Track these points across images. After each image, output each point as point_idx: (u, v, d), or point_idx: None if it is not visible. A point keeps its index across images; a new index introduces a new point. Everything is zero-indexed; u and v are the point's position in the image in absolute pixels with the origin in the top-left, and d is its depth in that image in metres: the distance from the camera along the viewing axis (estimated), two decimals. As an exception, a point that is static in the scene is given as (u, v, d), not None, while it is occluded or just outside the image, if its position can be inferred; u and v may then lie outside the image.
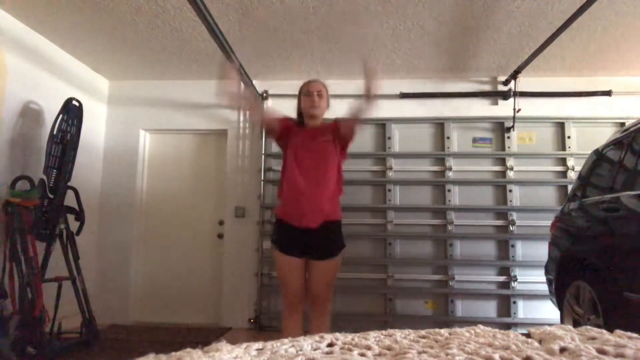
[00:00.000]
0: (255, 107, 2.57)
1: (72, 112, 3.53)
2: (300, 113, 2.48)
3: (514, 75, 4.04)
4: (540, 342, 0.73)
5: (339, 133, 2.39)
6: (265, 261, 4.23)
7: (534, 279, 3.95)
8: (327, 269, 2.32)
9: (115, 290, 4.33)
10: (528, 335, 0.79)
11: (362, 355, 0.66)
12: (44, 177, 3.36)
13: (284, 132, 2.43)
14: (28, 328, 2.95)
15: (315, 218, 2.26)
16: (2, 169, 3.24)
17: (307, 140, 2.37)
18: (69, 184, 3.50)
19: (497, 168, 4.27)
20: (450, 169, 4.27)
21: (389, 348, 0.70)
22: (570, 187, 3.61)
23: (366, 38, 3.61)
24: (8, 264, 3.07)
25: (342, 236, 2.40)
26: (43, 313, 3.07)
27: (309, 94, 2.40)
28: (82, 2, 3.13)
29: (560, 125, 4.27)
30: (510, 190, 4.20)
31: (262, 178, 4.36)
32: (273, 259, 2.40)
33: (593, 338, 0.73)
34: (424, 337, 0.78)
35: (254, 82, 4.23)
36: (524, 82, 4.13)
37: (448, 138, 4.32)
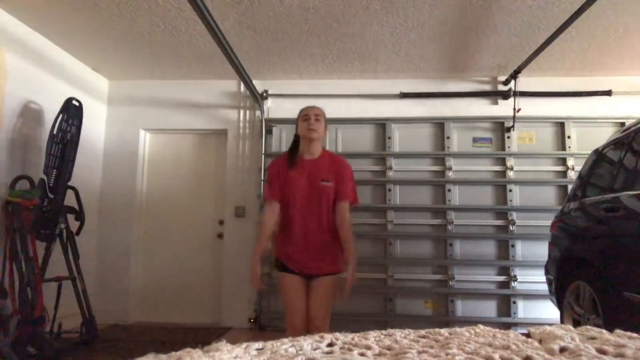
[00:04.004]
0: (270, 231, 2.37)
1: (72, 112, 3.53)
2: (297, 138, 2.43)
3: (514, 75, 4.04)
4: (540, 341, 0.73)
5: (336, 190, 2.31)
6: (266, 261, 4.21)
7: (534, 279, 3.95)
8: (324, 286, 2.26)
9: (115, 290, 4.33)
10: (528, 335, 0.79)
11: (362, 355, 0.66)
12: (44, 177, 3.37)
13: (280, 185, 2.33)
14: (28, 328, 2.95)
15: (318, 269, 2.25)
16: (2, 169, 3.24)
17: (306, 178, 2.29)
18: (69, 183, 3.51)
19: (497, 168, 4.27)
20: (450, 168, 4.27)
21: (389, 348, 0.70)
22: (570, 187, 3.61)
23: (366, 38, 3.61)
24: (8, 264, 3.07)
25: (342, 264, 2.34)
26: (43, 313, 3.07)
27: (306, 118, 2.36)
28: (82, 2, 3.13)
29: (560, 125, 4.27)
30: (510, 190, 4.20)
31: (262, 178, 4.36)
32: (278, 283, 2.36)
33: (593, 338, 0.73)
34: (424, 337, 0.78)
35: (254, 82, 4.22)
36: (524, 82, 4.13)
37: (448, 138, 4.32)
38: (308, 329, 2.27)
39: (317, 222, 2.26)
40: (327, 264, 2.27)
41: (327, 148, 2.57)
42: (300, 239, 2.25)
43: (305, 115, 2.37)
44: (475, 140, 4.34)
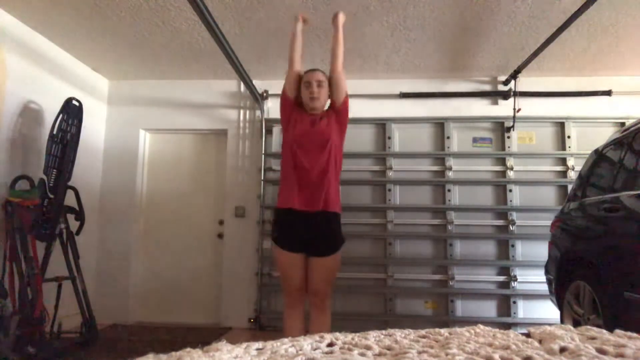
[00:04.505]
0: (298, 47, 2.52)
1: (72, 112, 3.53)
2: (300, 103, 2.47)
3: (514, 75, 4.04)
4: (540, 341, 0.73)
5: (335, 107, 2.43)
6: (265, 261, 4.24)
7: (534, 279, 3.95)
8: (326, 266, 2.30)
9: (115, 290, 4.33)
10: (528, 335, 0.79)
11: (362, 355, 0.66)
12: (44, 177, 3.36)
13: (294, 106, 2.44)
14: (28, 328, 2.95)
15: (319, 200, 2.27)
16: (2, 169, 3.24)
17: (308, 128, 2.36)
18: (69, 183, 3.50)
19: (497, 168, 4.27)
20: (450, 168, 4.27)
21: (389, 348, 0.70)
22: (570, 187, 3.61)
23: (366, 38, 3.61)
24: (8, 264, 3.07)
25: (341, 231, 2.39)
26: (43, 313, 3.07)
27: (308, 85, 2.37)
28: (82, 2, 3.13)
29: (560, 125, 4.27)
30: (510, 190, 4.20)
31: (262, 178, 4.36)
32: (273, 256, 2.41)
33: (593, 338, 0.73)
34: (424, 337, 0.78)
35: (254, 82, 4.22)
36: (524, 82, 4.13)
37: (448, 138, 4.32)
38: (306, 295, 2.37)
39: (317, 165, 2.29)
40: (325, 201, 2.29)
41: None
42: (302, 179, 2.28)
43: (307, 81, 2.37)
44: (475, 140, 4.34)
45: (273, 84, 4.45)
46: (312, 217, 2.26)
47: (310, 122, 2.38)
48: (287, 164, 2.36)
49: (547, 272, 3.15)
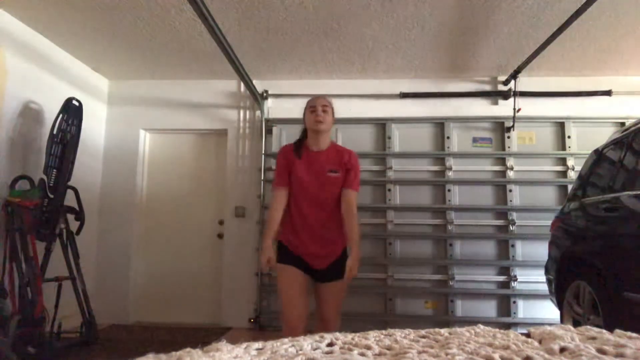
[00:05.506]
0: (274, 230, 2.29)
1: (72, 111, 3.53)
2: (305, 130, 2.40)
3: (514, 75, 4.04)
4: (540, 341, 0.73)
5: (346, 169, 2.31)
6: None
7: (534, 279, 3.95)
8: (335, 290, 2.25)
9: (115, 290, 4.33)
10: (528, 335, 0.79)
11: (362, 355, 0.66)
12: (44, 177, 3.37)
13: (288, 173, 2.32)
14: (28, 328, 2.95)
15: (324, 261, 2.23)
16: (2, 169, 3.24)
17: (312, 169, 2.27)
18: (69, 183, 3.51)
19: (497, 168, 4.27)
20: (450, 168, 4.27)
21: (389, 348, 0.70)
22: (570, 187, 3.61)
23: (366, 38, 3.61)
24: (8, 264, 3.08)
25: (347, 257, 2.28)
26: (43, 313, 3.07)
27: (313, 109, 2.32)
28: (82, 2, 3.13)
29: (560, 125, 4.27)
30: (510, 190, 4.20)
31: (262, 178, 4.36)
32: (277, 276, 2.29)
33: (593, 338, 0.73)
34: (424, 337, 0.78)
35: (254, 82, 4.23)
36: (524, 82, 4.13)
37: (448, 138, 4.32)
38: (305, 328, 2.20)
39: (322, 213, 2.24)
40: (331, 254, 2.25)
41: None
42: (305, 230, 2.23)
43: (312, 106, 2.33)
44: (475, 140, 4.34)
45: (273, 84, 4.45)
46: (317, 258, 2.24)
47: (315, 167, 2.27)
48: (294, 217, 2.28)
49: (547, 272, 3.15)
